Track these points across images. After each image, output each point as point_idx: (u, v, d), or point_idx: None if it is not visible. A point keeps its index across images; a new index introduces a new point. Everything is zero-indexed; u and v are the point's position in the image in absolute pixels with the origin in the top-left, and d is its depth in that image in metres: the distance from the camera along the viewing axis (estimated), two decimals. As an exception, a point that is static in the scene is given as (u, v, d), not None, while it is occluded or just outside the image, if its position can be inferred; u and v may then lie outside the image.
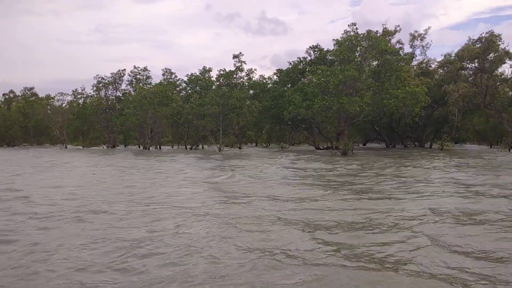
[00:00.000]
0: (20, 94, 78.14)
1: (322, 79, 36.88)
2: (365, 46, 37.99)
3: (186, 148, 55.94)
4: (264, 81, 56.27)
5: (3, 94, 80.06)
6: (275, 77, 55.36)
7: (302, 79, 50.75)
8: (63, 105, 73.31)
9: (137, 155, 39.31)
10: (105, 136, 66.23)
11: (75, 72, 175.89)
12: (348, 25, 40.29)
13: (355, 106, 35.27)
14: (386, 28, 48.82)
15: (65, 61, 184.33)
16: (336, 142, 46.80)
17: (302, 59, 51.40)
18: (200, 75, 63.18)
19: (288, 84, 51.10)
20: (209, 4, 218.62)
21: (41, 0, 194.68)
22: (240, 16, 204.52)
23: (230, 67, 63.24)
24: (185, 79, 64.99)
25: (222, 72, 51.12)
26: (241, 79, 52.99)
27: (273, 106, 49.76)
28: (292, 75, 50.53)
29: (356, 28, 40.21)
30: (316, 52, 50.50)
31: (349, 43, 38.59)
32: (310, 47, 50.58)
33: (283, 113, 47.86)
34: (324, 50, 49.81)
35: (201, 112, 51.84)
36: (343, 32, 40.50)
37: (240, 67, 51.75)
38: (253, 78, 54.05)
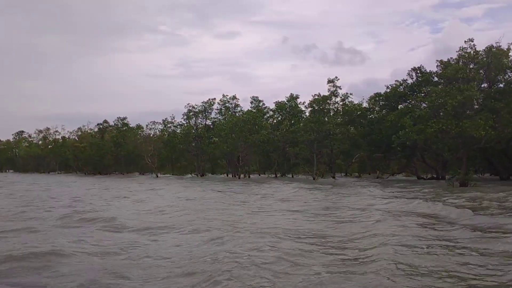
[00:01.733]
0: (113, 124, 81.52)
1: (439, 100, 33.22)
2: (487, 63, 33.93)
3: (276, 177, 53.97)
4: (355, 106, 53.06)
5: (98, 124, 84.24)
6: (364, 103, 52.02)
7: (402, 103, 47.23)
8: (152, 135, 75.24)
9: (243, 184, 37.88)
10: (194, 165, 66.37)
11: (158, 104, 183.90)
12: (465, 41, 36.49)
13: (479, 130, 31.14)
14: (500, 46, 44.15)
15: (150, 94, 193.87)
16: (442, 171, 42.50)
17: (402, 81, 47.98)
18: (287, 102, 61.73)
19: (385, 109, 47.80)
20: (286, 37, 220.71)
21: (131, 37, 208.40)
22: (317, 47, 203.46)
23: (306, 97, 61.40)
24: (272, 106, 63.83)
25: (316, 97, 48.95)
26: (335, 104, 50.41)
27: (371, 132, 46.57)
28: (392, 98, 47.10)
29: (474, 45, 36.27)
30: (418, 74, 46.86)
31: (466, 61, 34.79)
32: (412, 69, 47.13)
33: (381, 139, 44.53)
34: (427, 71, 46.06)
35: (294, 139, 49.94)
36: (458, 49, 36.69)
37: (335, 92, 49.34)
38: (348, 103, 51.09)
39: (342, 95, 50.00)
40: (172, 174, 68.68)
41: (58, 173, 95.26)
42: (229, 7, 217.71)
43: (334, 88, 49.45)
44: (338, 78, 50.13)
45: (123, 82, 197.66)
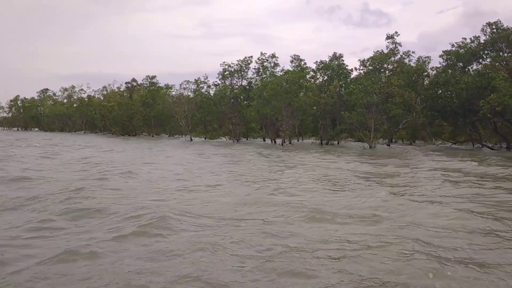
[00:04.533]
0: (142, 83, 77.42)
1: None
2: None
3: (321, 144, 49.42)
4: (418, 66, 47.20)
5: (126, 83, 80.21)
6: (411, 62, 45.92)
7: (474, 63, 41.51)
8: (183, 95, 70.79)
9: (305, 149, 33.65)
10: (227, 128, 62.27)
11: (180, 65, 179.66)
12: None
13: None
14: None
15: (171, 55, 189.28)
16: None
17: (473, 38, 41.92)
18: (329, 62, 56.22)
19: (450, 70, 42.16)
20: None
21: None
22: (341, 9, 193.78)
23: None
24: (313, 66, 58.34)
25: (377, 54, 43.46)
26: (394, 64, 44.81)
27: (433, 95, 41.34)
28: (464, 57, 41.27)
29: None
30: (493, 30, 40.72)
31: None
32: (487, 23, 40.93)
33: (448, 103, 39.48)
34: (507, 27, 39.90)
35: (347, 102, 45.06)
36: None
37: (395, 50, 43.72)
38: (409, 62, 45.39)
39: (403, 53, 44.33)
40: (205, 138, 64.78)
41: (84, 132, 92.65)
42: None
43: (394, 45, 43.81)
44: (399, 33, 44.45)
45: (144, 42, 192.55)
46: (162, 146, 40.74)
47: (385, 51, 44.57)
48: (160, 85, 75.85)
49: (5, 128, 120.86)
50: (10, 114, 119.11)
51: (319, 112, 49.27)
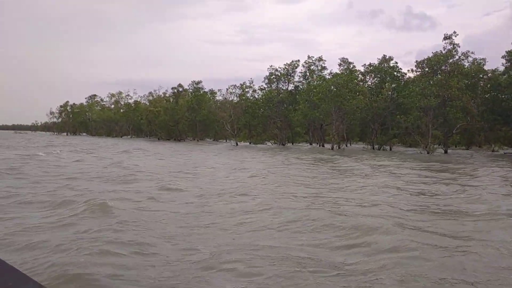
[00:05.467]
0: (188, 88, 78.07)
1: None
2: None
3: (373, 149, 47.78)
4: (478, 68, 44.81)
5: (172, 88, 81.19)
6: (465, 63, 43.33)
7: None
8: (227, 100, 70.72)
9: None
10: (273, 132, 61.49)
11: (219, 71, 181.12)
12: None
13: None
14: None
15: (212, 60, 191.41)
16: None
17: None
18: (378, 65, 54.49)
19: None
20: (351, 2, 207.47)
21: (195, 4, 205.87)
22: (384, 12, 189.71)
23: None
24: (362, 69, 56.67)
25: (436, 55, 41.55)
26: (451, 66, 42.68)
27: (496, 98, 39.05)
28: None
29: None
30: None
31: None
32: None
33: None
34: None
35: (402, 106, 43.38)
36: None
37: (454, 50, 41.66)
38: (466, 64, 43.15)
39: (462, 54, 42.19)
40: (250, 142, 64.30)
41: (130, 137, 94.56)
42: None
43: (452, 46, 41.76)
44: (457, 33, 42.40)
45: (186, 48, 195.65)
46: (222, 151, 40.17)
47: (436, 51, 42.60)
48: (205, 90, 76.31)
49: (55, 133, 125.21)
50: (60, 120, 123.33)
51: (370, 116, 47.72)
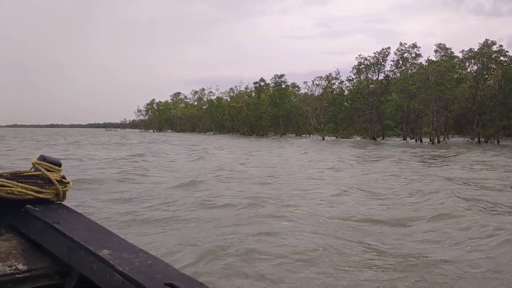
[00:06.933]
0: (269, 83, 77.03)
1: None
2: None
3: (479, 143, 42.91)
4: None
5: (254, 83, 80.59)
6: None
7: None
8: (311, 93, 68.24)
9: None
10: (363, 126, 58.12)
11: (298, 66, 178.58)
12: None
13: None
14: None
15: (290, 55, 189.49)
16: None
17: None
18: (480, 50, 48.91)
19: None
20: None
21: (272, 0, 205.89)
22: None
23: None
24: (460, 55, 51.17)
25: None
26: None
27: None
28: None
29: None
30: None
31: None
32: None
33: None
34: None
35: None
36: None
37: None
38: None
39: None
40: (336, 137, 61.48)
41: (214, 133, 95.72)
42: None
43: None
44: None
45: (264, 44, 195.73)
46: (318, 146, 37.75)
47: None
48: (288, 83, 74.71)
49: (142, 130, 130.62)
50: (146, 117, 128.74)
51: (475, 106, 42.95)
